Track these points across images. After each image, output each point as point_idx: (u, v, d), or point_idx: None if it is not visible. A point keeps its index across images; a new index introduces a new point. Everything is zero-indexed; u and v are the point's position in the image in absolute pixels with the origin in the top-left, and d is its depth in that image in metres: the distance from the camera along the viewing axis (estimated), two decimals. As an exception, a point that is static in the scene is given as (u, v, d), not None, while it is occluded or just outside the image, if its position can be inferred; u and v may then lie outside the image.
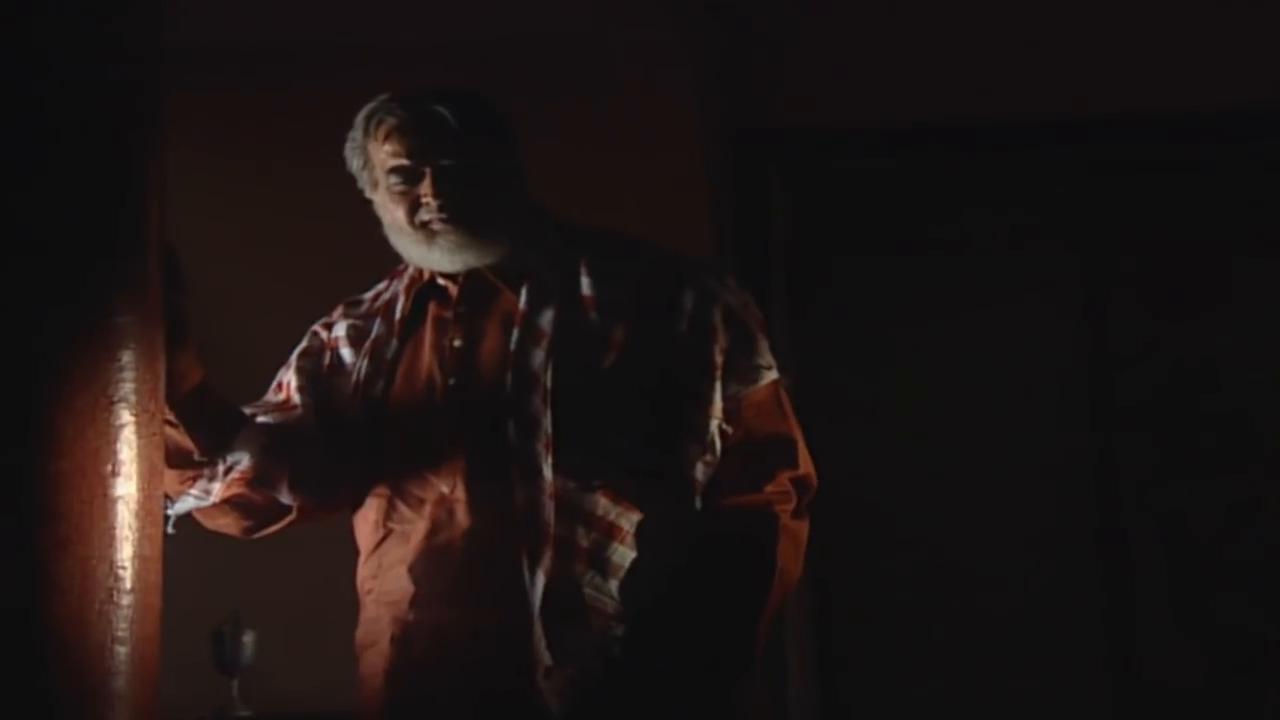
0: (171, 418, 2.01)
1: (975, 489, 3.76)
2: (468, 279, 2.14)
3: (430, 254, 2.12)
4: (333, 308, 2.28)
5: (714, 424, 2.05)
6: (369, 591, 2.16)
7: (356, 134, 2.15)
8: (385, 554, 2.13)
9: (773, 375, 2.12)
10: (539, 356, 2.05)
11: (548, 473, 2.01)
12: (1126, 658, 3.73)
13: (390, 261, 2.23)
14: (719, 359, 2.07)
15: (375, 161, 2.13)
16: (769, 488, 2.06)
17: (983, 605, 3.76)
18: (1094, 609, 3.76)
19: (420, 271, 2.19)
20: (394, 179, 2.11)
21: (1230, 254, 3.76)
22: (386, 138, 2.10)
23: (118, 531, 1.73)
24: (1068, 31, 3.59)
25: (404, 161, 2.09)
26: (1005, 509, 3.75)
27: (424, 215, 2.10)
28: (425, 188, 2.09)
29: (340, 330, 2.22)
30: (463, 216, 2.09)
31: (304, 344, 2.25)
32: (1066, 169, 3.83)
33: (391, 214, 2.13)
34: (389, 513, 2.12)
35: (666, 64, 3.41)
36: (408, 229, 2.11)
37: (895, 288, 3.82)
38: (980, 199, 3.84)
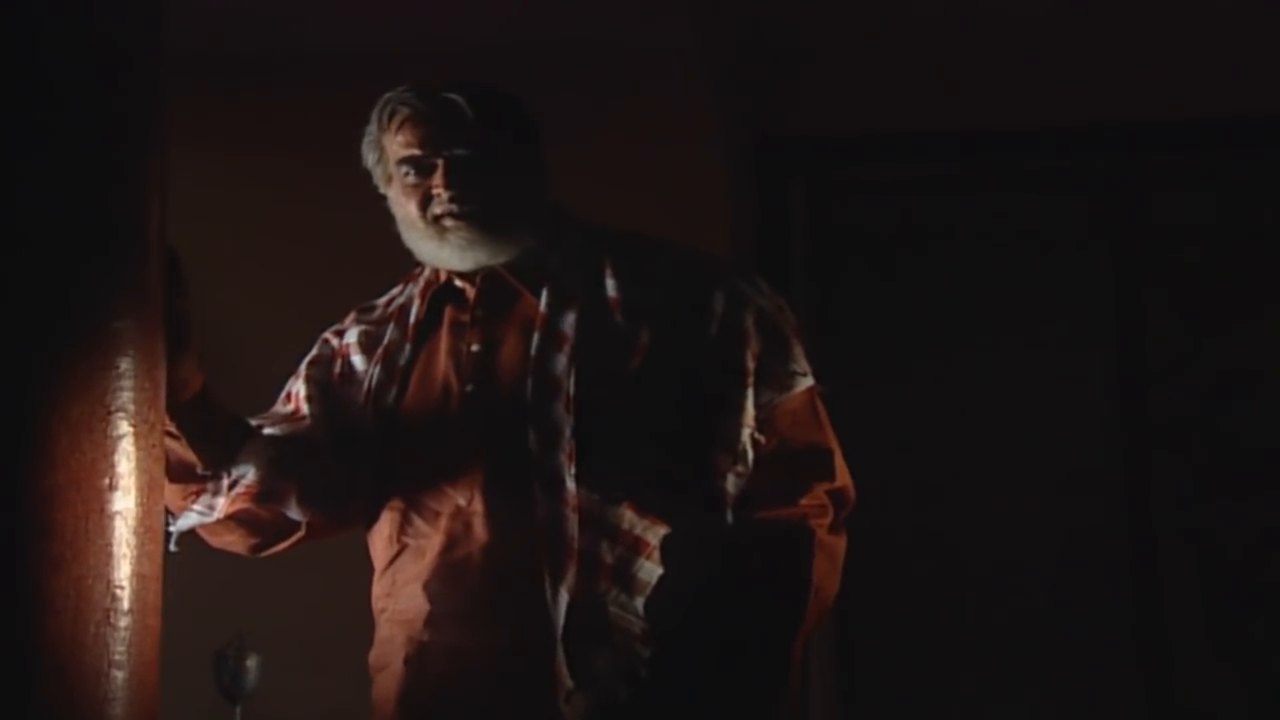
0: (173, 429, 1.95)
1: (1002, 505, 3.70)
2: (485, 281, 2.08)
3: (441, 251, 2.06)
4: (344, 314, 2.23)
5: (746, 433, 1.98)
6: (383, 610, 2.10)
7: (371, 127, 2.10)
8: (399, 570, 2.07)
9: (808, 383, 2.05)
10: (561, 361, 1.98)
11: (570, 484, 1.94)
12: (1161, 682, 3.66)
13: (404, 266, 2.17)
14: (751, 364, 2.00)
15: (388, 154, 2.08)
16: (804, 501, 1.99)
17: (1011, 626, 3.70)
18: (1126, 632, 3.69)
19: (436, 274, 2.14)
20: (405, 170, 2.05)
21: (1268, 264, 3.68)
22: (399, 128, 2.05)
23: (115, 549, 1.68)
24: (1099, 37, 3.55)
25: (415, 152, 2.04)
26: (1033, 527, 3.70)
27: (436, 209, 2.04)
28: (437, 179, 2.03)
29: (352, 337, 2.17)
30: (475, 210, 2.03)
31: (314, 352, 2.20)
32: (1098, 177, 3.77)
33: (404, 208, 2.08)
34: (403, 527, 2.06)
35: (687, 72, 3.39)
36: (419, 224, 2.06)
37: (918, 297, 3.75)
38: (1007, 208, 3.78)
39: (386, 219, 2.12)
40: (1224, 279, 3.71)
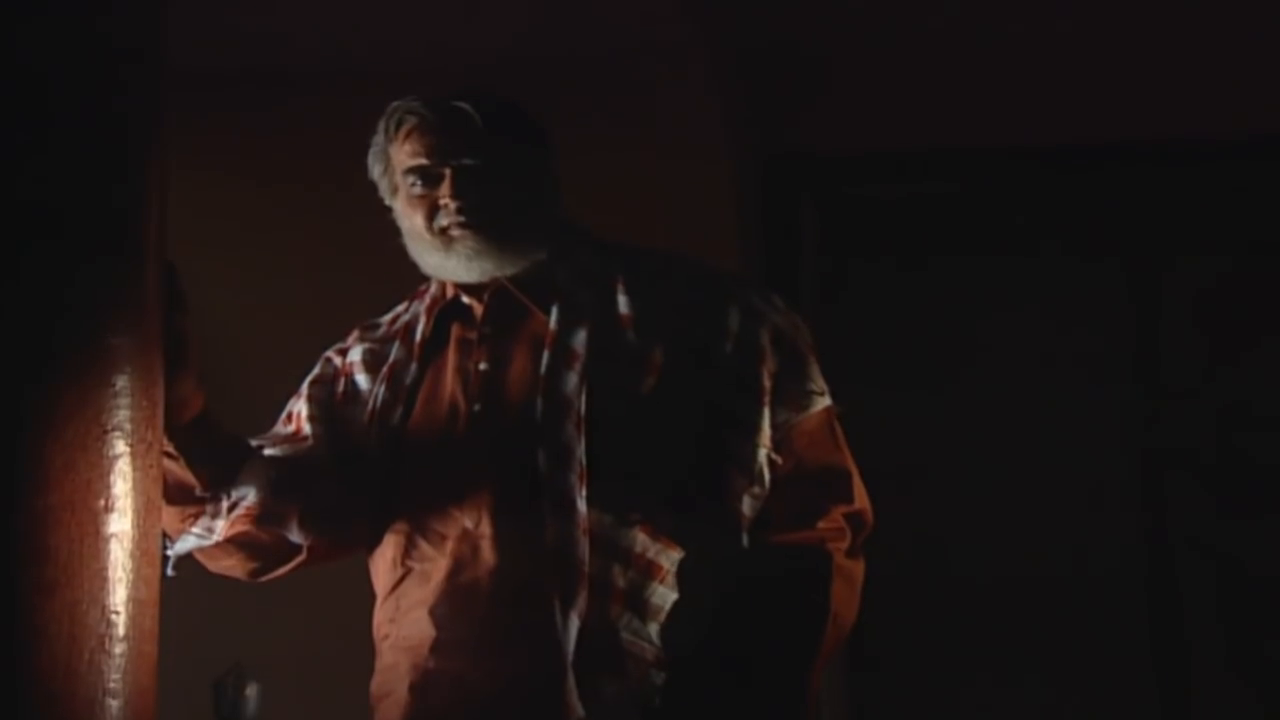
0: (171, 449, 1.91)
1: (1017, 527, 3.64)
2: (493, 297, 2.05)
3: (446, 261, 2.02)
4: (348, 332, 2.19)
5: (762, 453, 1.94)
6: (386, 637, 2.05)
7: (378, 137, 2.07)
8: (404, 595, 2.02)
9: (826, 402, 2.01)
10: (572, 380, 1.94)
11: (581, 506, 1.90)
12: (1178, 704, 3.60)
13: (409, 282, 2.13)
14: (767, 383, 1.96)
15: (395, 164, 2.05)
16: (822, 523, 1.95)
17: (1027, 648, 3.64)
18: (1144, 654, 3.64)
19: (443, 290, 2.10)
20: (412, 180, 2.02)
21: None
22: (406, 137, 2.02)
23: (111, 573, 1.64)
24: (1114, 55, 3.51)
25: (423, 161, 2.01)
26: (1049, 549, 3.64)
27: (442, 220, 2.00)
28: (444, 190, 2.00)
29: (355, 355, 2.13)
30: (482, 221, 1.99)
31: (316, 371, 2.16)
32: (1113, 194, 3.74)
33: (410, 220, 2.05)
34: (408, 550, 2.02)
35: (697, 87, 3.36)
36: (425, 235, 2.03)
37: (930, 315, 3.71)
38: (1022, 226, 3.74)
39: (392, 233, 2.08)
40: (1242, 298, 3.67)
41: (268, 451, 2.05)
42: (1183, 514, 3.65)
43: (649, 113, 3.33)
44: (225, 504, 1.99)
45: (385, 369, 2.07)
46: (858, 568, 1.97)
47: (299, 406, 2.12)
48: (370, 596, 2.09)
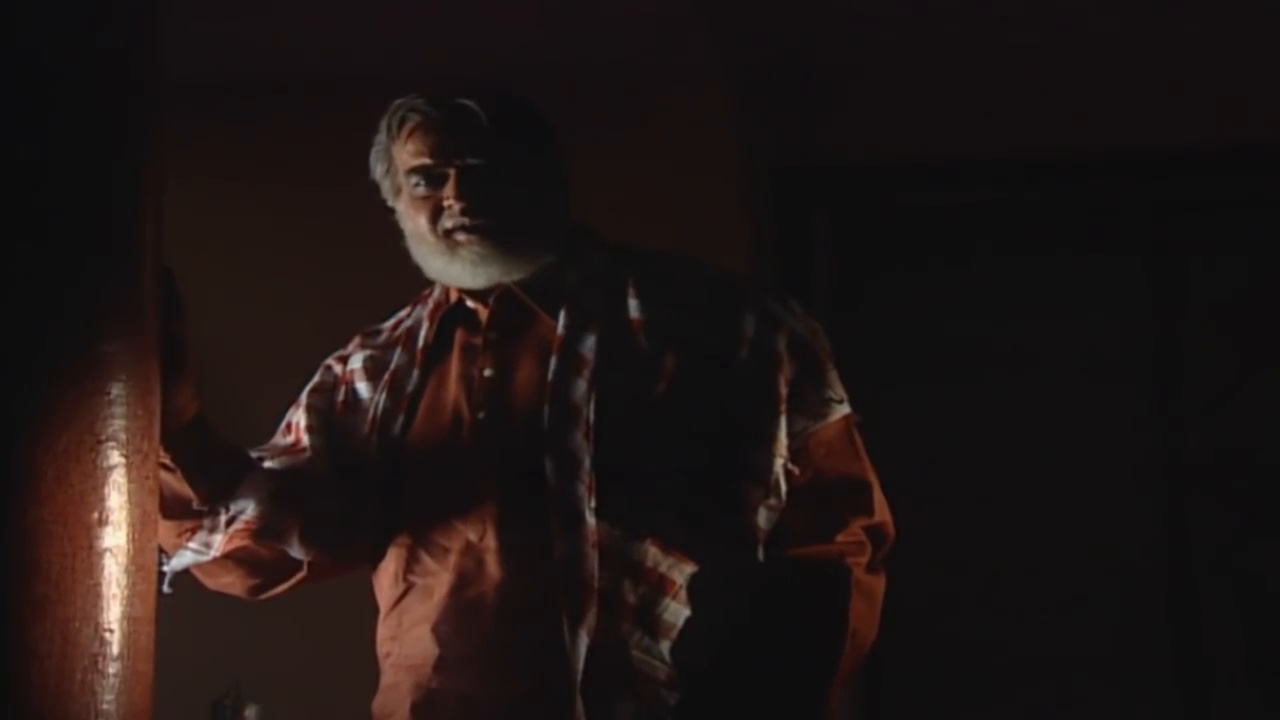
0: (167, 460, 1.86)
1: (1034, 551, 3.60)
2: (499, 301, 2.00)
3: (451, 266, 1.97)
4: (348, 339, 2.15)
5: (778, 463, 1.89)
6: (387, 654, 2.01)
7: (380, 136, 2.03)
8: (406, 611, 1.97)
9: (845, 410, 1.97)
10: (580, 387, 1.89)
11: (590, 518, 1.85)
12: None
13: (411, 287, 2.10)
14: (784, 390, 1.91)
15: (398, 164, 2.01)
16: (840, 537, 1.90)
17: (1046, 668, 3.59)
18: (1166, 675, 3.59)
19: (446, 295, 2.06)
20: (415, 181, 1.97)
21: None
22: (409, 136, 1.98)
23: (104, 589, 1.60)
24: (1135, 63, 3.49)
25: (426, 161, 1.96)
26: (1069, 569, 3.59)
27: (447, 222, 1.96)
28: (448, 191, 1.95)
29: (356, 363, 2.09)
30: (489, 224, 1.95)
31: (316, 380, 2.11)
32: (1133, 206, 3.70)
33: (413, 221, 2.00)
34: (410, 564, 1.97)
35: (707, 97, 3.36)
36: (429, 238, 1.98)
37: (946, 328, 3.67)
38: (1037, 237, 3.71)
39: (395, 236, 2.04)
40: (1265, 312, 3.62)
41: (267, 464, 2.01)
42: (1205, 535, 3.60)
43: (660, 122, 3.32)
44: (223, 518, 1.94)
45: (386, 376, 2.03)
46: (878, 583, 1.93)
47: (298, 417, 2.07)
48: (373, 613, 2.05)
